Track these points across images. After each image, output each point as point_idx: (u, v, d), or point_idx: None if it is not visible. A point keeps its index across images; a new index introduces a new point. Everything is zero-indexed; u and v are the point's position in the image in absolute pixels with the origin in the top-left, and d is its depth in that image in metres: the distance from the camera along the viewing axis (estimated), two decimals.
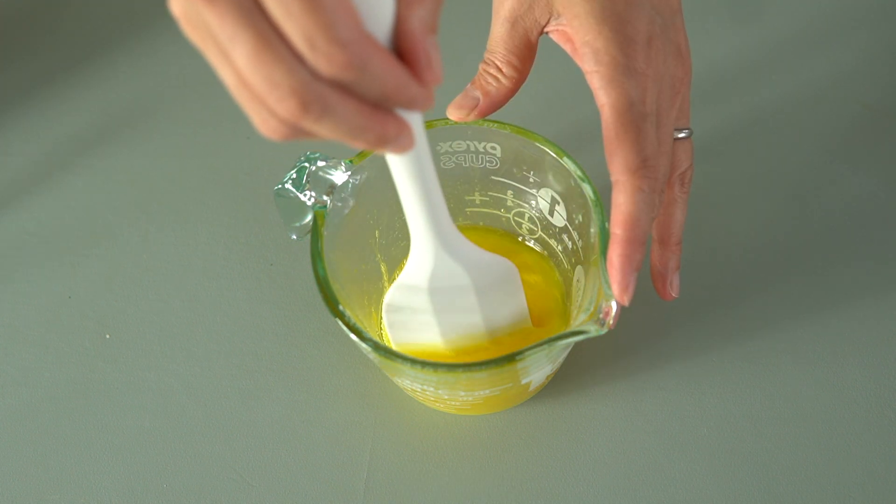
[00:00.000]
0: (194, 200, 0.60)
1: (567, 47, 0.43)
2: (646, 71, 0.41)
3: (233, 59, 0.29)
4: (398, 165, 0.38)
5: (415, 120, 0.35)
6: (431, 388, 0.46)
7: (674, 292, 0.47)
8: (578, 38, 0.41)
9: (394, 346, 0.48)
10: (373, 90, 0.30)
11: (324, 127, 0.31)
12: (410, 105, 0.32)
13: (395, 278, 0.51)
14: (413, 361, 0.42)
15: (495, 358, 0.41)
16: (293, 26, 0.28)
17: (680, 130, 0.45)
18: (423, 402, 0.51)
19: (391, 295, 0.46)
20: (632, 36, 0.41)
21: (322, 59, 0.29)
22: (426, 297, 0.44)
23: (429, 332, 0.46)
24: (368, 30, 0.30)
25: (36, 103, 0.65)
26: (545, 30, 0.43)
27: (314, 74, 0.29)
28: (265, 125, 0.31)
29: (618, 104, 0.40)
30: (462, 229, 0.43)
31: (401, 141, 0.33)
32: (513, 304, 0.47)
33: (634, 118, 0.40)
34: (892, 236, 0.56)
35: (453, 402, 0.49)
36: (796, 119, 0.61)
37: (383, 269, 0.52)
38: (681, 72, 0.44)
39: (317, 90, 0.29)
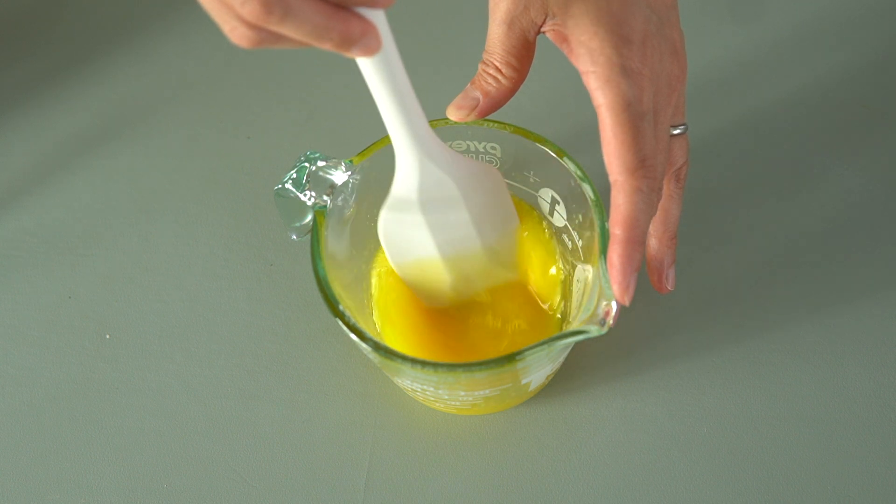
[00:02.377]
0: (194, 200, 0.60)
1: (563, 47, 0.43)
2: (642, 70, 0.41)
3: None
4: (370, 71, 0.38)
5: (380, 22, 0.36)
6: (431, 388, 0.46)
7: (669, 285, 0.48)
8: (574, 38, 0.41)
9: (394, 268, 0.48)
10: None
11: (288, 28, 0.32)
12: (370, 2, 0.33)
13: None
14: (413, 361, 0.42)
15: (495, 358, 0.41)
16: None
17: (675, 127, 0.46)
18: (423, 402, 0.51)
19: (384, 215, 0.46)
20: (627, 35, 0.41)
21: None
22: (417, 208, 0.45)
23: (425, 247, 0.47)
24: None
25: (36, 103, 0.65)
26: (541, 30, 0.43)
27: None
28: (234, 32, 0.33)
29: (615, 104, 0.40)
30: None
31: (367, 42, 0.34)
32: (500, 207, 0.47)
33: (632, 118, 0.40)
34: (892, 236, 0.56)
35: (453, 402, 0.49)
36: (796, 119, 0.61)
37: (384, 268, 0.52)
38: (677, 69, 0.44)
39: None
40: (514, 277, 0.50)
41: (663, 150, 0.42)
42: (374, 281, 0.51)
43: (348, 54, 0.35)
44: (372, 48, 0.35)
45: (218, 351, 0.55)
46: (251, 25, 0.33)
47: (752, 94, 0.62)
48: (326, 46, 0.34)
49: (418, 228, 0.46)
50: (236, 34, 0.33)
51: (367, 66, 0.38)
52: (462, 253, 0.48)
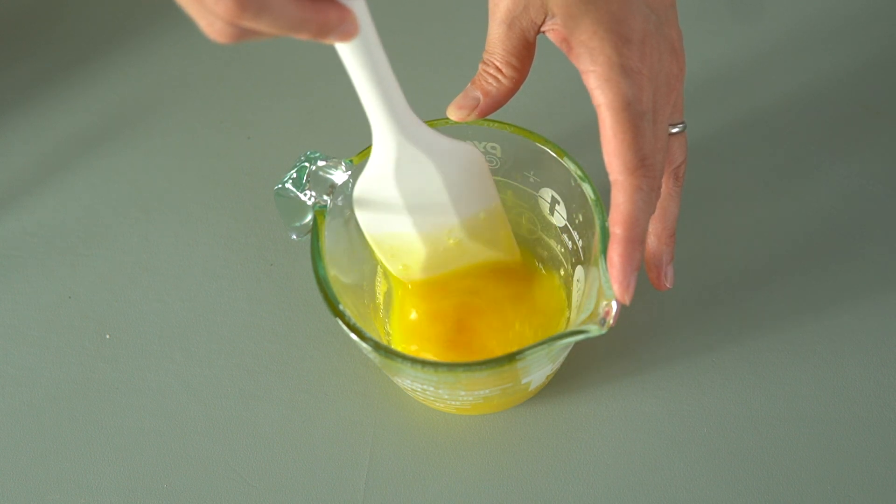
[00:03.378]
0: (194, 200, 0.60)
1: (563, 47, 0.43)
2: (641, 69, 0.41)
3: None
4: (347, 54, 0.38)
5: (357, 6, 0.36)
6: (431, 388, 0.46)
7: (668, 283, 0.48)
8: (573, 37, 0.41)
9: (367, 237, 0.48)
10: None
11: (264, 23, 0.32)
12: None
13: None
14: (413, 361, 0.42)
15: (495, 357, 0.41)
16: None
17: (674, 125, 0.46)
18: (423, 402, 0.51)
19: (359, 187, 0.46)
20: (627, 35, 0.41)
21: None
22: (393, 185, 0.45)
23: (400, 221, 0.47)
24: None
25: (36, 103, 0.65)
26: (541, 29, 0.43)
27: None
28: (211, 28, 0.33)
29: (614, 104, 0.40)
30: None
31: (344, 28, 0.34)
32: (480, 187, 0.47)
33: (631, 117, 0.40)
34: (892, 236, 0.56)
35: (453, 402, 0.49)
36: (796, 119, 0.61)
37: (384, 269, 0.52)
38: (675, 68, 0.44)
39: None
40: (495, 256, 0.50)
41: (662, 148, 0.42)
42: (379, 282, 0.51)
43: (326, 41, 0.35)
44: (350, 34, 0.35)
45: (218, 351, 0.55)
46: (228, 21, 0.32)
47: (751, 93, 0.62)
48: (304, 37, 0.33)
49: (394, 204, 0.46)
50: (213, 30, 0.33)
51: (344, 48, 0.38)
52: (438, 229, 0.48)
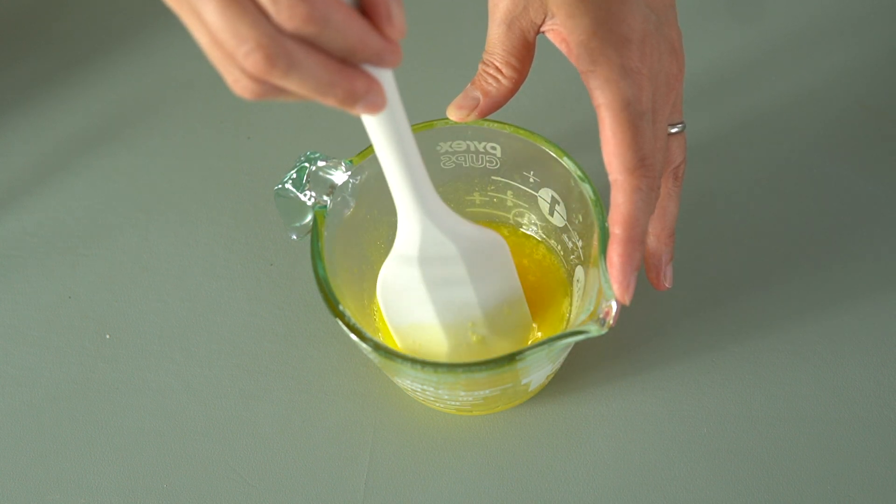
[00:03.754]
0: (194, 200, 0.60)
1: (562, 47, 0.43)
2: (641, 69, 0.41)
3: (203, 15, 0.31)
4: (374, 128, 0.38)
5: (386, 80, 0.35)
6: (431, 388, 0.46)
7: (667, 283, 0.48)
8: (573, 38, 0.41)
9: (390, 329, 0.48)
10: (336, 43, 0.32)
11: (292, 82, 0.32)
12: (377, 59, 0.33)
13: None
14: (413, 361, 0.42)
15: (495, 358, 0.41)
16: None
17: (673, 125, 0.46)
18: (423, 402, 0.51)
19: (384, 272, 0.46)
20: (626, 35, 0.41)
21: (284, 13, 0.30)
22: (417, 268, 0.45)
23: (423, 310, 0.46)
24: None
25: (36, 103, 0.65)
26: (541, 30, 0.43)
27: (279, 29, 0.31)
28: (237, 84, 0.33)
29: (614, 104, 0.40)
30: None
31: (371, 98, 0.34)
32: (503, 277, 0.47)
33: (631, 117, 0.40)
34: (891, 236, 0.56)
35: (453, 402, 0.49)
36: (795, 119, 0.61)
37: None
38: (675, 68, 0.44)
39: (282, 44, 0.31)
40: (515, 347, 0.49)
41: (661, 147, 0.42)
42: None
43: (352, 111, 0.34)
44: (377, 105, 0.34)
45: (218, 351, 0.55)
46: (254, 78, 0.32)
47: (751, 93, 0.62)
48: (330, 102, 0.33)
49: (417, 290, 0.46)
50: (239, 86, 0.33)
51: (372, 123, 0.38)
52: (461, 319, 0.47)
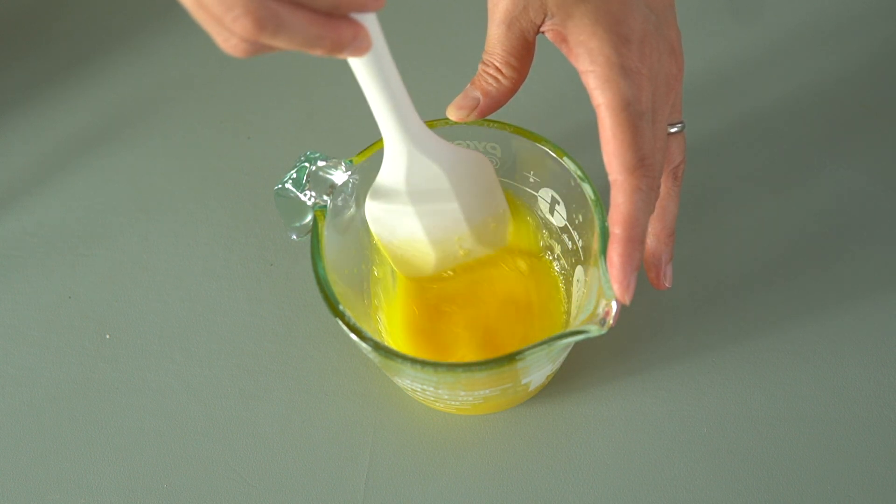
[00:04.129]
0: (194, 200, 0.60)
1: (562, 47, 0.43)
2: (640, 69, 0.41)
3: None
4: (360, 68, 0.39)
5: (369, 21, 0.36)
6: (431, 388, 0.46)
7: (667, 282, 0.48)
8: (573, 38, 0.41)
9: (380, 245, 0.49)
10: (322, 1, 0.33)
11: (281, 40, 0.33)
12: (361, 8, 0.34)
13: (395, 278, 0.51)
14: (413, 361, 0.42)
15: (495, 358, 0.41)
16: None
17: (673, 125, 0.46)
18: (423, 402, 0.51)
19: (371, 196, 0.46)
20: (626, 35, 0.41)
21: None
22: (405, 196, 0.46)
23: (412, 230, 0.47)
24: None
25: (36, 103, 0.65)
26: (541, 30, 0.43)
27: None
28: (227, 44, 0.33)
29: (614, 104, 0.40)
30: None
31: (357, 44, 0.35)
32: (488, 193, 0.48)
33: (631, 117, 0.40)
34: (891, 236, 0.56)
35: (453, 402, 0.49)
36: (795, 118, 0.61)
37: (384, 269, 0.52)
38: (674, 68, 0.44)
39: (269, 6, 0.32)
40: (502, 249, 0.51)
41: (661, 148, 0.42)
42: (375, 276, 0.51)
43: (340, 56, 0.35)
44: (363, 48, 0.35)
45: (218, 351, 0.55)
46: (244, 39, 0.33)
47: (751, 93, 0.62)
48: (318, 53, 0.34)
49: (406, 214, 0.47)
50: (229, 45, 0.34)
51: (357, 62, 0.39)
52: (449, 236, 0.48)
